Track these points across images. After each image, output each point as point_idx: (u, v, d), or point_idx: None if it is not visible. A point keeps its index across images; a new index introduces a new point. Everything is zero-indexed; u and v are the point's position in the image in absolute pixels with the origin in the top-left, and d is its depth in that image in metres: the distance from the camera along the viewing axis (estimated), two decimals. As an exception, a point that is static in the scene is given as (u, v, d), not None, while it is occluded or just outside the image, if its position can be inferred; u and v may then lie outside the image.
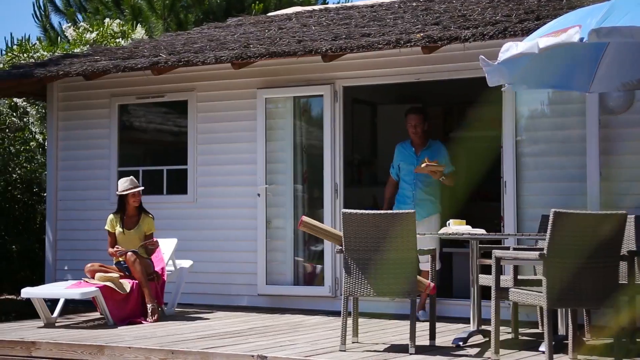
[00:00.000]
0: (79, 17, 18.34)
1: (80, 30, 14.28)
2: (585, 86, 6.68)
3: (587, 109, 7.73)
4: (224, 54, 9.00)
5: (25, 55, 13.15)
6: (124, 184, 8.61)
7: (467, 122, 9.99)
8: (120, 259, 8.53)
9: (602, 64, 6.50)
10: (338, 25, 9.39)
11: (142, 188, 8.72)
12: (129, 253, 8.34)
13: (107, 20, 14.59)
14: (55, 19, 19.26)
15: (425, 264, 7.68)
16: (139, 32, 14.30)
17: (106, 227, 8.64)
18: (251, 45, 9.11)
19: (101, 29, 14.03)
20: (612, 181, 7.71)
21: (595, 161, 7.74)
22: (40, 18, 19.10)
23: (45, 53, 13.10)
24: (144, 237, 8.56)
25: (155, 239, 8.54)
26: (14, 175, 12.22)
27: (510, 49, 5.84)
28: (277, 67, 9.27)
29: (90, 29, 14.24)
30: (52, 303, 8.61)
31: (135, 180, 8.72)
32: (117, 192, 8.63)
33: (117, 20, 14.85)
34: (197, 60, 9.05)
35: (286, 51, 8.66)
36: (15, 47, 14.08)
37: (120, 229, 8.55)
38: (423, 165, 7.94)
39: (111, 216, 8.65)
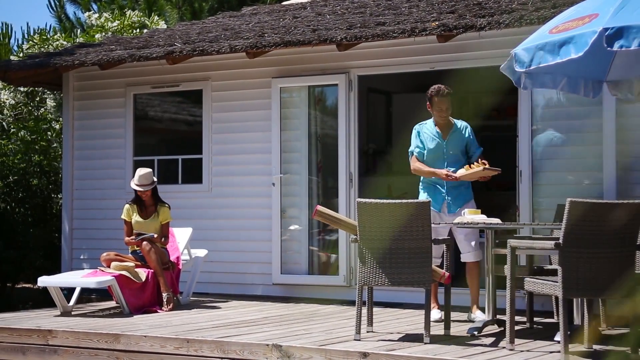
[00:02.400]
0: (94, 6, 18.38)
1: (103, 20, 14.31)
2: (602, 75, 6.63)
3: (603, 97, 7.65)
4: (238, 43, 8.99)
5: (45, 44, 13.19)
6: (137, 179, 8.54)
7: (483, 111, 9.95)
8: (137, 247, 8.56)
9: (620, 52, 6.44)
10: (353, 14, 9.36)
11: (152, 186, 8.55)
12: (144, 242, 8.37)
13: (129, 12, 14.60)
14: (70, 8, 19.33)
15: (466, 255, 7.45)
16: (161, 24, 14.29)
17: (122, 217, 8.66)
18: (266, 35, 9.10)
19: (123, 19, 14.04)
20: (628, 170, 7.67)
21: (611, 150, 7.69)
22: (55, 8, 19.15)
23: (64, 42, 13.14)
24: (160, 226, 8.59)
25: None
26: (31, 164, 12.26)
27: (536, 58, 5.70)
28: (291, 56, 9.25)
29: (112, 19, 14.26)
30: (68, 292, 8.66)
31: (151, 175, 8.59)
32: (131, 185, 8.62)
33: (136, 11, 14.87)
34: (212, 49, 9.05)
35: (301, 40, 8.65)
36: (35, 36, 14.11)
37: (137, 218, 8.58)
38: (470, 170, 7.12)
39: (127, 205, 8.67)
